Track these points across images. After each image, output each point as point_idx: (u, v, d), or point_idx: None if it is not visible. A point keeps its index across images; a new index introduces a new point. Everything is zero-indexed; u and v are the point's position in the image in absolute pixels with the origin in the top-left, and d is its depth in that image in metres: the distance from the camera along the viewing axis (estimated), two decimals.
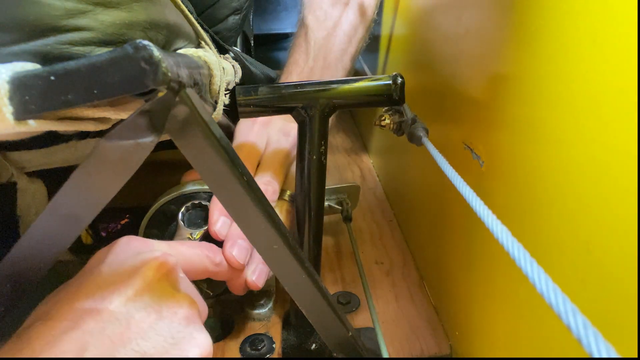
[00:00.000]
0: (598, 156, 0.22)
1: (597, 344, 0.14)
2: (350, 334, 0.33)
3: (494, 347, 0.35)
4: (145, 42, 0.18)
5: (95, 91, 0.19)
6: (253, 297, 0.47)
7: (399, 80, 0.38)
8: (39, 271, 0.26)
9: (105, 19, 0.22)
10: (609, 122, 0.22)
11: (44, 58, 0.21)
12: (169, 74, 0.19)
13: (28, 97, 0.20)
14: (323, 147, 0.39)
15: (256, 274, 0.40)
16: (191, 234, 0.39)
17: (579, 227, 0.24)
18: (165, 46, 0.27)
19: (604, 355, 0.13)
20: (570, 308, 0.15)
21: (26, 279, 0.26)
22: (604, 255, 0.22)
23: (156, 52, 0.18)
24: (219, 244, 0.38)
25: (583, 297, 0.24)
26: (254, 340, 0.43)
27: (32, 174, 0.36)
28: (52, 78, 0.19)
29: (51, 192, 0.38)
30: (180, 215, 0.40)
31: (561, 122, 0.25)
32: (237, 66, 0.46)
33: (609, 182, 0.22)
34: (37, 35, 0.22)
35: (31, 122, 0.22)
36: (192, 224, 0.40)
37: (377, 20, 0.68)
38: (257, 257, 0.40)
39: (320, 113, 0.38)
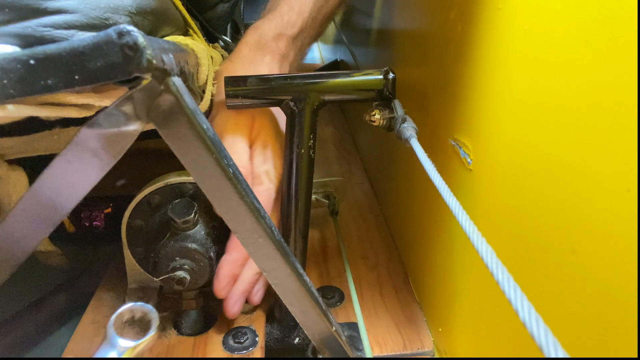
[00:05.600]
0: (585, 156, 0.22)
1: None
2: (333, 328, 0.33)
3: (476, 344, 0.35)
4: (130, 28, 0.17)
5: (76, 77, 0.18)
6: None
7: (390, 75, 0.38)
8: (17, 260, 0.25)
9: (89, 1, 0.22)
10: (597, 123, 0.22)
11: (24, 41, 0.21)
12: (154, 62, 0.18)
13: (7, 80, 0.19)
14: (312, 141, 0.38)
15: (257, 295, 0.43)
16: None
17: (565, 226, 0.24)
18: (151, 33, 0.27)
19: None
20: (552, 342, 0.15)
21: (4, 269, 0.25)
22: (589, 255, 0.22)
23: (141, 39, 0.18)
24: None
25: (568, 297, 0.24)
26: (237, 333, 0.43)
27: (13, 162, 0.35)
28: (32, 62, 0.18)
29: (32, 181, 0.37)
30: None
31: (547, 125, 0.25)
32: (227, 55, 0.46)
33: (595, 183, 0.22)
34: (17, 17, 0.21)
35: (10, 106, 0.21)
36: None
37: (369, 14, 0.67)
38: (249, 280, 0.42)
39: (310, 106, 0.38)
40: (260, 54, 0.42)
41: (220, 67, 0.41)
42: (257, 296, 0.43)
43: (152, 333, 0.26)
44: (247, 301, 0.43)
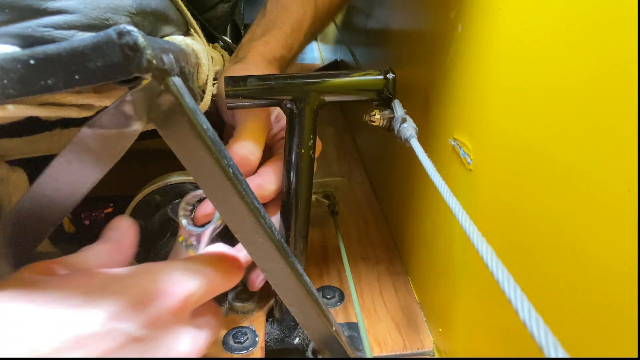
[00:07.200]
0: (585, 156, 0.22)
1: None
2: (333, 328, 0.33)
3: (476, 344, 0.35)
4: (130, 28, 0.17)
5: (76, 77, 0.18)
6: (237, 290, 0.46)
7: (390, 75, 0.38)
8: (17, 261, 0.25)
9: (90, 1, 0.22)
10: (597, 123, 0.22)
11: (24, 41, 0.21)
12: (154, 62, 0.18)
13: (7, 80, 0.19)
14: (312, 141, 0.38)
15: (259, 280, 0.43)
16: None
17: (565, 227, 0.24)
18: (151, 33, 0.27)
19: None
20: (552, 341, 0.15)
21: (4, 269, 0.25)
22: (589, 255, 0.22)
23: (141, 39, 0.18)
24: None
25: (568, 297, 0.24)
26: (237, 333, 0.43)
27: (13, 163, 0.35)
28: (32, 62, 0.18)
29: (33, 182, 0.37)
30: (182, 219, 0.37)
31: (548, 125, 0.25)
32: (227, 55, 0.46)
33: (595, 183, 0.22)
34: (17, 18, 0.21)
35: (10, 106, 0.21)
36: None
37: (369, 14, 0.67)
38: None
39: (310, 106, 0.38)
40: (272, 68, 0.44)
41: (233, 68, 0.41)
42: (258, 280, 0.43)
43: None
44: (249, 289, 0.44)
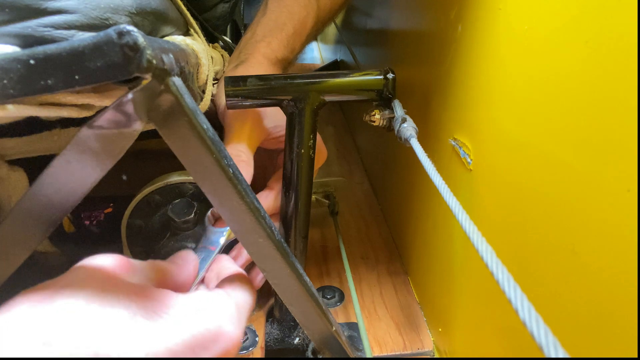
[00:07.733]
0: (585, 156, 0.22)
1: None
2: (333, 328, 0.33)
3: (476, 344, 0.35)
4: (130, 28, 0.17)
5: (76, 77, 0.18)
6: None
7: (390, 75, 0.38)
8: (17, 260, 0.25)
9: (90, 1, 0.22)
10: (597, 123, 0.22)
11: (24, 41, 0.21)
12: (154, 62, 0.18)
13: (7, 81, 0.19)
14: (312, 141, 0.38)
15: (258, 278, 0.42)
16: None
17: (565, 227, 0.24)
18: (151, 33, 0.27)
19: None
20: (552, 341, 0.15)
21: (4, 269, 0.25)
22: (589, 255, 0.22)
23: (141, 39, 0.18)
24: None
25: (568, 297, 0.24)
26: None
27: (13, 163, 0.35)
28: (32, 62, 0.18)
29: (33, 182, 0.37)
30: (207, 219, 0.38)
31: (548, 125, 0.25)
32: (227, 55, 0.46)
33: (595, 183, 0.22)
34: (17, 17, 0.21)
35: (10, 106, 0.21)
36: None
37: (369, 14, 0.67)
38: None
39: (310, 106, 0.38)
40: (275, 69, 0.44)
41: (236, 71, 0.41)
42: (258, 279, 0.43)
43: None
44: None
